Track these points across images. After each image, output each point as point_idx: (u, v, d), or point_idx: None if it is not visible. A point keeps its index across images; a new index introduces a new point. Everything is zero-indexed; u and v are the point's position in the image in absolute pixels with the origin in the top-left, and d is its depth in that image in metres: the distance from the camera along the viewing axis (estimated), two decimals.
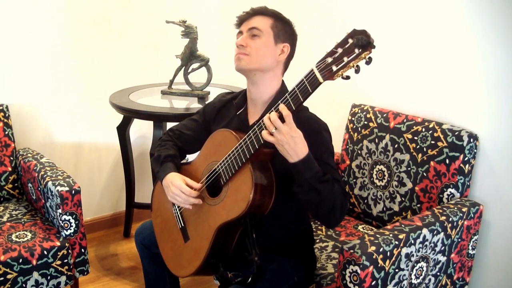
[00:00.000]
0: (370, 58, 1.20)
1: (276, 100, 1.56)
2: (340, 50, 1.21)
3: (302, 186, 1.40)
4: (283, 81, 1.63)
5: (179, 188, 1.59)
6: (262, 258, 1.50)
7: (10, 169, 2.36)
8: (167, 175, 1.66)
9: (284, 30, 1.58)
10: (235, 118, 1.66)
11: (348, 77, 1.24)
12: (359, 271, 1.46)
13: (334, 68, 1.22)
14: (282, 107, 1.32)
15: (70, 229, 2.05)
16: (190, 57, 2.57)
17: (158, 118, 2.39)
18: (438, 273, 1.74)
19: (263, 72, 1.56)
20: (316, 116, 1.59)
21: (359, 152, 2.14)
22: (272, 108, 1.36)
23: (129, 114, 2.46)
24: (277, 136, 1.33)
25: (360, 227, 2.10)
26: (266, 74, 1.57)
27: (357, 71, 1.22)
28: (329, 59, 1.23)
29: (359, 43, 1.18)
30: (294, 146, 1.33)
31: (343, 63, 1.21)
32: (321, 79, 1.25)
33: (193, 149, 1.82)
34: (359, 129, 2.15)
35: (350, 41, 1.20)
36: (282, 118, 1.32)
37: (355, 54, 1.19)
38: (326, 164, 1.49)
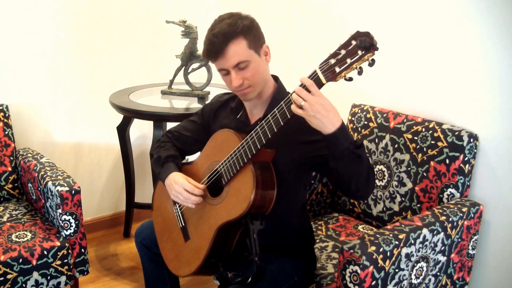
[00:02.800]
0: (373, 60, 1.20)
1: (276, 96, 1.57)
2: (343, 52, 1.22)
3: (343, 157, 1.33)
4: (275, 76, 1.63)
5: (182, 186, 1.59)
6: (262, 258, 1.50)
7: (10, 169, 2.36)
8: (169, 174, 1.66)
9: (255, 36, 1.51)
10: (236, 120, 1.66)
11: (351, 79, 1.24)
12: (359, 271, 1.46)
13: (337, 69, 1.22)
14: (304, 79, 1.28)
15: (70, 229, 2.05)
16: (190, 57, 2.57)
17: (158, 118, 2.39)
18: (438, 273, 1.74)
19: (264, 85, 1.57)
20: None
21: None
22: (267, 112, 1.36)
23: (129, 114, 2.46)
24: (307, 108, 1.26)
25: (360, 227, 2.10)
26: (266, 84, 1.57)
27: (360, 72, 1.22)
28: (332, 60, 1.23)
29: (362, 45, 1.18)
30: (326, 114, 1.27)
31: (346, 64, 1.21)
32: (324, 80, 1.25)
33: (192, 150, 1.82)
34: (359, 129, 2.15)
35: (354, 42, 1.20)
36: (307, 90, 1.27)
37: (358, 56, 1.19)
38: None
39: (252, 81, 1.50)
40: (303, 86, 1.28)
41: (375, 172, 2.07)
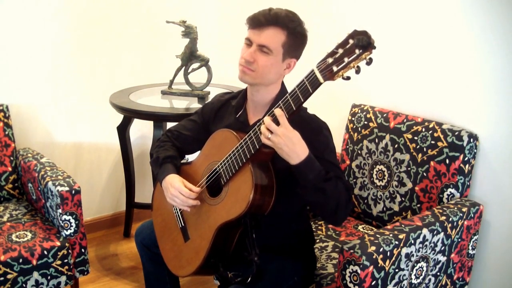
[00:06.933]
0: (370, 59, 1.20)
1: (277, 101, 1.56)
2: (340, 51, 1.21)
3: (307, 187, 1.40)
4: (282, 81, 1.63)
5: (178, 189, 1.59)
6: (262, 258, 1.50)
7: (10, 169, 2.36)
8: (166, 176, 1.66)
9: (295, 45, 1.53)
10: (235, 119, 1.66)
11: (348, 78, 1.24)
12: (359, 271, 1.46)
13: (335, 68, 1.22)
14: (276, 110, 1.34)
15: (70, 229, 2.05)
16: (190, 57, 2.57)
17: (158, 118, 2.39)
18: (438, 273, 1.74)
19: (266, 85, 1.57)
20: (316, 116, 1.60)
21: (359, 152, 2.14)
22: (267, 114, 1.37)
23: (129, 114, 2.46)
24: (274, 139, 1.33)
25: (360, 227, 2.10)
26: (268, 85, 1.57)
27: (357, 71, 1.22)
28: (330, 60, 1.23)
29: (360, 44, 1.18)
30: (293, 147, 1.34)
31: (344, 63, 1.21)
32: (321, 80, 1.25)
33: (192, 149, 1.82)
34: (359, 129, 2.15)
35: (351, 41, 1.20)
36: (276, 121, 1.33)
37: (355, 55, 1.19)
38: (327, 162, 1.49)
39: (259, 69, 1.51)
40: (273, 116, 1.34)
41: (375, 173, 2.07)
